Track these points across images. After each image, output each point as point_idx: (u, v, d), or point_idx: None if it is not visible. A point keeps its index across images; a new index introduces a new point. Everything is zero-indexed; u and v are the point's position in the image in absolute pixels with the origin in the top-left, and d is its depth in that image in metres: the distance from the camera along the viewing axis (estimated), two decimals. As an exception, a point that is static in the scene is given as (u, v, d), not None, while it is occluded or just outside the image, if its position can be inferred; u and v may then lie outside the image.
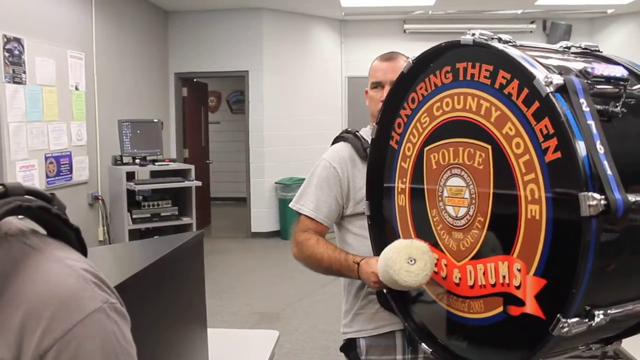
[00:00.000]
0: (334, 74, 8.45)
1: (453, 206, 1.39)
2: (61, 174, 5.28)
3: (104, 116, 6.01)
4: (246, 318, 4.89)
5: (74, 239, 0.90)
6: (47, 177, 5.06)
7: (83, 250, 0.91)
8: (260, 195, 7.99)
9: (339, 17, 8.33)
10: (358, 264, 1.69)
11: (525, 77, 1.14)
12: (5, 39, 4.43)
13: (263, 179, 7.99)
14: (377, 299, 1.80)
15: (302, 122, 7.99)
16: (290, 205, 1.97)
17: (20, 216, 0.84)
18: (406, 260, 1.43)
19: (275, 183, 7.95)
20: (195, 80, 8.64)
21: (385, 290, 1.67)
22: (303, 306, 5.16)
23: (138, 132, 5.86)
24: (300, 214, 1.91)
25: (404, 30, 8.33)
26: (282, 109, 7.98)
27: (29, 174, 4.79)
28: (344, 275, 1.82)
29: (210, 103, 10.64)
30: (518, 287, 1.22)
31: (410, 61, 1.47)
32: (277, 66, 7.91)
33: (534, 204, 1.16)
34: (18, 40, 4.57)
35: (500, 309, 1.28)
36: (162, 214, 5.66)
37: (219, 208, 10.05)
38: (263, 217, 8.05)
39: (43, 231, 0.89)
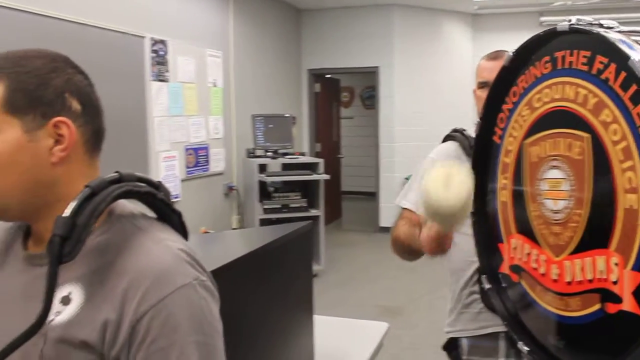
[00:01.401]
0: (465, 69, 8.28)
1: (552, 199, 1.34)
2: (199, 164, 5.63)
3: (240, 111, 6.32)
4: (368, 310, 4.95)
5: (177, 222, 1.02)
6: (187, 167, 5.42)
7: (184, 232, 1.02)
8: (389, 191, 8.02)
9: (471, 11, 8.14)
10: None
11: (621, 60, 1.09)
12: (153, 41, 4.81)
13: (393, 174, 8.01)
14: (480, 299, 1.77)
15: (431, 118, 7.92)
16: (396, 202, 1.97)
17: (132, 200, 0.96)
18: (442, 186, 1.32)
19: (405, 179, 7.94)
20: (327, 76, 8.82)
21: (481, 279, 1.61)
22: (426, 302, 5.14)
23: (270, 126, 6.10)
24: (403, 208, 1.90)
25: (540, 23, 7.97)
26: (412, 104, 7.95)
27: (171, 164, 5.15)
28: (417, 248, 1.65)
29: (343, 98, 10.81)
30: (615, 283, 1.17)
31: (511, 54, 1.44)
32: (407, 62, 7.89)
33: (631, 192, 1.10)
34: (163, 42, 4.95)
35: (598, 306, 1.23)
36: (292, 205, 5.85)
37: (350, 202, 10.20)
38: (392, 212, 8.07)
39: (152, 214, 1.01)
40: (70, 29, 3.93)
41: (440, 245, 1.44)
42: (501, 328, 1.72)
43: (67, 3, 3.97)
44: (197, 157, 5.59)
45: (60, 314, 0.87)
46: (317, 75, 8.41)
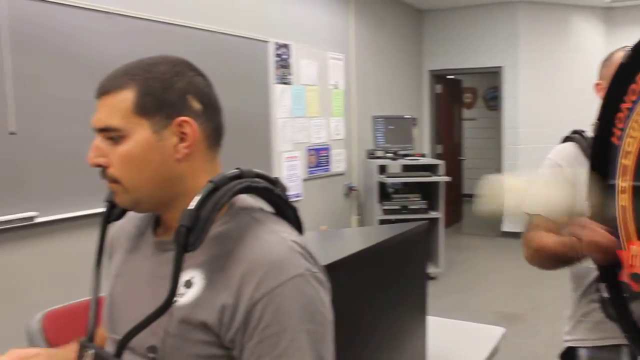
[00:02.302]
0: (596, 67, 7.83)
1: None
2: (320, 165, 5.76)
3: (360, 112, 6.40)
4: (486, 316, 4.84)
5: (292, 217, 1.09)
6: (308, 167, 5.56)
7: (298, 226, 1.09)
8: (513, 194, 7.76)
9: (604, 4, 7.70)
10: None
11: None
12: (276, 46, 5.00)
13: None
14: (600, 308, 1.68)
15: (559, 120, 7.57)
16: (520, 208, 1.92)
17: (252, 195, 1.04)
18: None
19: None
20: (448, 77, 8.70)
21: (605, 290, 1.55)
22: (549, 311, 4.95)
23: (391, 127, 6.12)
24: (533, 215, 1.83)
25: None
26: (538, 105, 7.66)
27: (293, 164, 5.32)
28: (568, 257, 1.62)
29: (466, 99, 10.60)
30: None
31: (629, 50, 1.38)
32: (533, 60, 7.61)
33: None
34: (286, 46, 5.12)
35: None
36: (411, 207, 5.83)
37: (472, 205, 9.95)
38: (515, 216, 7.81)
39: (270, 208, 1.09)
40: (201, 37, 4.18)
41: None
42: (623, 340, 1.63)
43: (198, 13, 4.23)
44: (319, 157, 5.72)
45: (183, 296, 0.96)
46: (438, 76, 8.32)
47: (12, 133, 3.04)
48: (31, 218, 3.13)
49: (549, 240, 1.71)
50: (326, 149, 5.84)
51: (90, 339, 1.06)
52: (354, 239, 2.07)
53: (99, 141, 1.01)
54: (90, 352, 1.02)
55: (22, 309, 2.77)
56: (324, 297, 0.99)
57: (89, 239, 3.43)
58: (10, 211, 3.04)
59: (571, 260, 1.64)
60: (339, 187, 6.18)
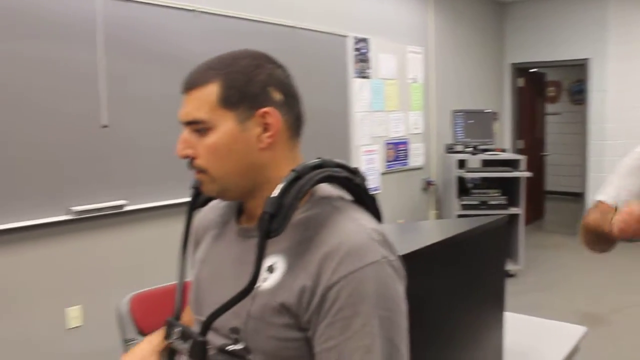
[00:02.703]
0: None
1: None
2: (398, 159, 5.76)
3: (439, 106, 6.34)
4: (566, 316, 4.70)
5: (371, 205, 1.12)
6: (387, 161, 5.57)
7: (377, 215, 1.12)
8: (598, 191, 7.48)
9: None
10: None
11: None
12: (355, 40, 5.02)
13: (602, 174, 7.46)
14: None
15: (651, 114, 7.24)
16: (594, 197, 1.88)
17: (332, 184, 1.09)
18: None
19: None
20: (531, 70, 8.46)
21: None
22: (635, 314, 4.76)
23: (471, 122, 6.03)
24: (597, 201, 1.81)
25: None
26: (628, 99, 7.32)
27: (371, 158, 5.34)
28: (606, 232, 1.60)
29: (549, 93, 10.27)
30: None
31: None
32: (623, 52, 7.28)
33: None
34: (365, 40, 5.14)
35: None
36: (490, 203, 5.73)
37: (554, 202, 9.68)
38: (600, 214, 7.53)
39: (349, 197, 1.13)
40: (282, 32, 4.27)
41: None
42: None
43: (278, 9, 4.33)
44: (397, 151, 5.72)
45: (266, 281, 1.01)
46: (520, 70, 8.11)
47: (104, 126, 3.22)
48: (121, 206, 3.31)
49: (590, 218, 1.75)
50: (404, 143, 5.83)
51: (177, 318, 1.13)
52: (431, 231, 2.07)
53: (186, 134, 1.07)
54: (177, 329, 1.09)
55: (112, 290, 2.94)
56: (398, 285, 1.02)
57: (172, 227, 3.61)
58: (102, 199, 3.23)
59: (605, 237, 1.65)
60: (416, 182, 6.16)
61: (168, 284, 2.46)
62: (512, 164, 5.80)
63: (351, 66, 5.01)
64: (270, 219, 0.96)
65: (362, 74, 5.14)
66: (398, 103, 5.69)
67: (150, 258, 3.49)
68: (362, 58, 5.13)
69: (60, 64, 3.05)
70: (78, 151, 3.14)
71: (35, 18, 2.96)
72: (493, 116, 6.23)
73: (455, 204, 5.68)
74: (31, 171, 2.96)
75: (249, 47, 1.12)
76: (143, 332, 2.20)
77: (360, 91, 5.13)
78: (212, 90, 1.04)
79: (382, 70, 5.42)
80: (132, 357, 1.26)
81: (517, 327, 2.10)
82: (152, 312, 2.27)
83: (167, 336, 1.11)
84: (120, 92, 3.30)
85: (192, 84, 1.06)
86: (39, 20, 2.98)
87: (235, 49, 1.11)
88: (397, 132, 5.70)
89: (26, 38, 2.93)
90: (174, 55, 3.55)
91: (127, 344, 2.22)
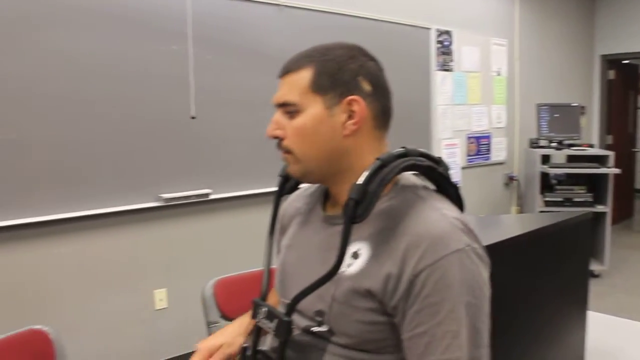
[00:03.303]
0: None
1: None
2: (480, 153, 5.67)
3: (523, 100, 6.18)
4: (657, 318, 4.51)
5: (454, 195, 1.14)
6: (468, 155, 5.50)
7: (460, 204, 1.14)
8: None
9: None
10: None
11: None
12: (438, 32, 4.98)
13: (699, 172, 7.09)
14: None
15: None
16: None
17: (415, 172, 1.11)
18: None
19: None
20: (623, 61, 8.10)
21: None
22: None
23: (556, 115, 5.85)
24: None
25: None
26: None
27: (452, 152, 5.29)
28: None
29: (643, 86, 9.79)
30: None
31: None
32: None
33: None
34: (448, 33, 5.09)
35: None
36: (575, 200, 5.54)
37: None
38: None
39: (432, 186, 1.15)
40: (365, 25, 4.29)
41: None
42: None
43: (361, 2, 4.34)
44: (479, 145, 5.63)
45: (350, 266, 1.05)
46: (611, 61, 7.77)
47: (192, 117, 3.35)
48: (206, 195, 3.45)
49: None
50: (487, 137, 5.73)
51: (264, 299, 1.19)
52: (512, 225, 2.05)
53: (277, 116, 1.12)
54: (264, 309, 1.14)
55: (196, 275, 3.07)
56: (483, 272, 1.04)
57: (254, 216, 3.72)
58: (189, 188, 3.37)
59: None
60: (498, 176, 6.04)
61: (250, 270, 2.55)
62: (599, 160, 5.59)
63: (433, 59, 4.98)
64: (355, 205, 0.99)
65: (445, 67, 5.10)
66: (480, 96, 5.59)
67: (232, 245, 3.61)
68: (445, 50, 5.08)
69: (153, 58, 3.20)
70: (168, 141, 3.28)
71: (133, 15, 3.12)
72: (580, 110, 6.01)
73: (538, 200, 5.53)
74: (125, 160, 3.13)
75: (332, 40, 1.17)
76: (226, 316, 2.29)
77: (442, 84, 5.08)
78: (304, 75, 1.09)
79: (465, 63, 5.35)
80: (220, 336, 1.32)
81: (602, 328, 2.06)
82: (235, 297, 2.36)
83: (254, 316, 1.16)
84: (207, 84, 3.42)
85: (287, 69, 1.12)
86: (136, 18, 3.14)
87: (321, 42, 1.15)
88: (479, 125, 5.61)
89: (124, 35, 3.09)
90: (259, 49, 3.64)
91: (211, 326, 2.31)
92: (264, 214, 3.67)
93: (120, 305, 3.22)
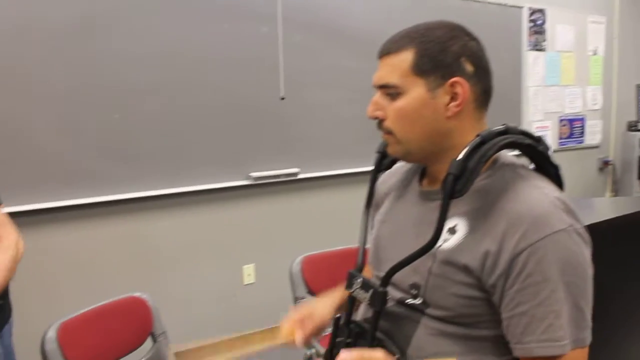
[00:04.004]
0: None
1: None
2: (573, 136, 5.47)
3: (622, 80, 5.89)
4: None
5: (554, 174, 1.13)
6: (560, 138, 5.32)
7: (560, 185, 1.13)
8: None
9: None
10: None
11: None
12: (531, 11, 4.83)
13: None
14: None
15: None
16: None
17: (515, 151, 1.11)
18: None
19: None
20: None
21: None
22: None
23: (657, 97, 5.57)
24: None
25: None
26: None
27: (543, 135, 5.12)
28: None
29: None
30: None
31: None
32: None
33: None
34: (541, 11, 4.93)
35: None
36: (676, 186, 5.29)
37: None
38: None
39: (532, 165, 1.14)
40: (455, 5, 4.22)
41: None
42: None
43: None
44: (572, 128, 5.44)
45: (447, 241, 1.06)
46: None
47: (282, 98, 3.43)
48: (295, 174, 3.53)
49: None
50: (580, 120, 5.52)
51: (359, 270, 1.21)
52: (606, 208, 1.99)
53: (378, 96, 1.13)
54: (359, 280, 1.16)
55: (282, 252, 3.15)
56: (585, 252, 1.02)
57: (340, 196, 3.78)
58: (278, 167, 3.46)
59: None
60: (592, 161, 5.81)
61: (336, 248, 2.60)
62: None
63: (525, 38, 4.83)
64: (454, 180, 1.00)
65: (537, 47, 4.94)
66: (575, 77, 5.39)
67: (319, 223, 3.69)
68: (538, 30, 4.92)
69: (244, 41, 3.29)
70: (258, 122, 3.38)
71: (223, 1, 3.23)
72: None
73: (635, 186, 5.31)
74: (217, 140, 3.25)
75: (420, 21, 1.16)
76: (312, 292, 2.35)
77: (534, 65, 4.93)
78: (405, 57, 1.09)
79: (559, 42, 5.16)
80: (311, 307, 1.36)
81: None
82: (322, 274, 2.42)
83: (349, 286, 1.19)
84: (296, 65, 3.48)
85: (387, 50, 1.12)
86: (227, 3, 3.23)
87: (410, 24, 1.15)
88: (572, 107, 5.41)
89: (215, 19, 3.20)
90: (346, 30, 3.67)
91: (298, 301, 2.39)
92: (350, 194, 3.75)
93: (211, 278, 3.37)
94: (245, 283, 3.52)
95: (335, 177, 3.71)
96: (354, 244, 2.63)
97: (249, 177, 3.37)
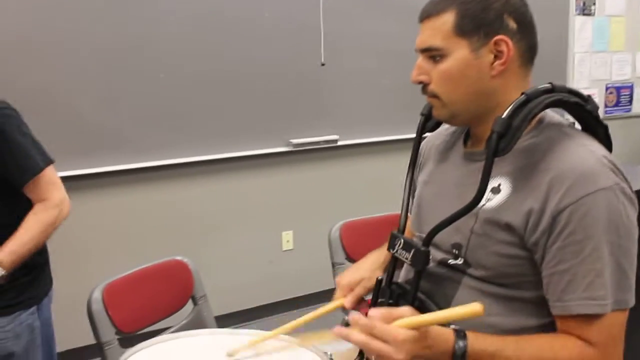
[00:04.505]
0: None
1: None
2: (620, 104, 5.32)
3: (674, 47, 5.68)
4: None
5: (602, 134, 1.11)
6: (605, 106, 5.18)
7: (608, 145, 1.11)
8: None
9: None
10: None
11: None
12: (580, -27, 4.67)
13: None
14: None
15: None
16: None
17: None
18: None
19: None
20: None
21: None
22: None
23: None
24: None
25: None
26: None
27: (589, 99, 5.00)
28: None
29: None
30: None
31: None
32: None
33: None
34: (590, -27, 4.75)
35: None
36: None
37: None
38: None
39: (579, 125, 1.12)
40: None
41: None
42: None
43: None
44: (619, 96, 5.28)
45: (490, 201, 1.06)
46: None
47: (322, 64, 3.40)
48: (334, 141, 3.52)
49: None
50: (629, 87, 5.35)
51: (402, 232, 1.21)
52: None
53: (421, 60, 1.12)
54: (401, 241, 1.16)
55: (320, 218, 3.17)
56: (630, 212, 1.01)
57: (380, 163, 3.75)
58: (318, 134, 3.46)
59: None
60: (639, 130, 5.65)
61: (375, 215, 2.60)
62: None
63: (573, 3, 4.68)
64: (498, 138, 0.99)
65: (585, 11, 4.78)
66: (624, 43, 5.20)
67: (357, 190, 3.68)
68: (586, -7, 4.76)
69: (285, 6, 3.28)
70: (299, 88, 3.37)
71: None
72: None
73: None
74: (258, 107, 3.26)
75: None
76: (350, 258, 2.36)
77: (581, 30, 4.78)
78: (447, 19, 1.07)
79: (609, 7, 4.97)
80: (358, 271, 1.36)
81: None
82: (360, 240, 2.42)
83: (391, 247, 1.19)
84: (336, 32, 3.45)
85: (428, 13, 1.11)
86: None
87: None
88: (621, 74, 5.24)
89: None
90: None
91: (336, 267, 2.40)
92: (388, 162, 3.73)
93: (251, 244, 3.41)
94: (284, 249, 3.55)
95: (374, 144, 3.69)
96: (392, 211, 2.63)
97: (289, 144, 3.38)
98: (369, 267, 1.37)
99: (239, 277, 3.37)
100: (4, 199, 1.66)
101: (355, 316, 0.94)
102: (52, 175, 1.71)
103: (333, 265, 2.43)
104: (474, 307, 0.87)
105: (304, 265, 3.53)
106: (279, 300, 3.52)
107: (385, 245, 1.39)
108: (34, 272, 1.75)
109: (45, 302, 1.80)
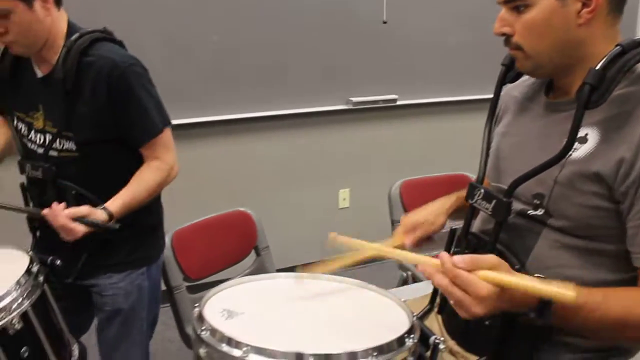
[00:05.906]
0: None
1: None
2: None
3: None
4: None
5: None
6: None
7: None
8: None
9: None
10: None
11: None
12: None
13: None
14: None
15: None
16: None
17: None
18: None
19: None
20: None
21: None
22: None
23: None
24: None
25: None
26: None
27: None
28: None
29: None
30: None
31: None
32: None
33: None
34: None
35: None
36: None
37: None
38: None
39: None
40: None
41: None
42: None
43: None
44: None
45: (576, 151, 1.04)
46: None
47: (384, 22, 3.37)
48: (394, 100, 3.50)
49: None
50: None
51: (480, 182, 1.20)
52: None
53: (504, 12, 1.10)
54: (481, 191, 1.16)
55: (377, 177, 3.18)
56: None
57: (439, 123, 3.71)
58: (377, 92, 3.45)
59: None
60: None
61: (434, 174, 2.60)
62: None
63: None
64: (590, 90, 0.97)
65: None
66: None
67: (416, 150, 3.67)
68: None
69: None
70: (360, 46, 3.35)
71: None
72: None
73: None
74: (318, 63, 3.26)
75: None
76: (410, 216, 2.37)
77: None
78: None
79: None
80: (423, 213, 1.38)
81: None
82: (419, 198, 2.43)
83: (470, 197, 1.19)
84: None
85: None
86: None
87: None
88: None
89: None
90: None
91: (395, 224, 2.42)
92: (447, 122, 3.68)
93: (309, 200, 3.45)
94: (341, 207, 3.59)
95: (433, 104, 3.65)
96: (448, 171, 2.62)
97: (348, 102, 3.38)
98: (435, 211, 1.38)
99: (297, 232, 3.41)
100: (121, 153, 1.66)
101: (444, 257, 0.92)
102: (167, 139, 1.69)
103: (392, 222, 2.46)
104: (567, 293, 0.83)
105: (360, 223, 3.54)
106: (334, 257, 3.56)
107: (452, 195, 1.40)
108: (144, 233, 1.76)
109: (155, 264, 1.80)
